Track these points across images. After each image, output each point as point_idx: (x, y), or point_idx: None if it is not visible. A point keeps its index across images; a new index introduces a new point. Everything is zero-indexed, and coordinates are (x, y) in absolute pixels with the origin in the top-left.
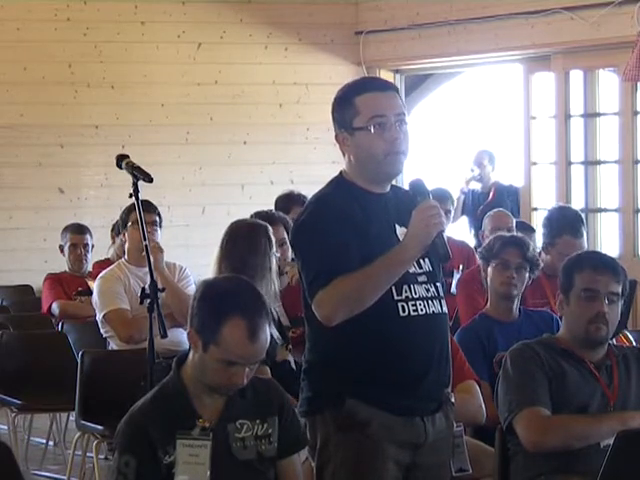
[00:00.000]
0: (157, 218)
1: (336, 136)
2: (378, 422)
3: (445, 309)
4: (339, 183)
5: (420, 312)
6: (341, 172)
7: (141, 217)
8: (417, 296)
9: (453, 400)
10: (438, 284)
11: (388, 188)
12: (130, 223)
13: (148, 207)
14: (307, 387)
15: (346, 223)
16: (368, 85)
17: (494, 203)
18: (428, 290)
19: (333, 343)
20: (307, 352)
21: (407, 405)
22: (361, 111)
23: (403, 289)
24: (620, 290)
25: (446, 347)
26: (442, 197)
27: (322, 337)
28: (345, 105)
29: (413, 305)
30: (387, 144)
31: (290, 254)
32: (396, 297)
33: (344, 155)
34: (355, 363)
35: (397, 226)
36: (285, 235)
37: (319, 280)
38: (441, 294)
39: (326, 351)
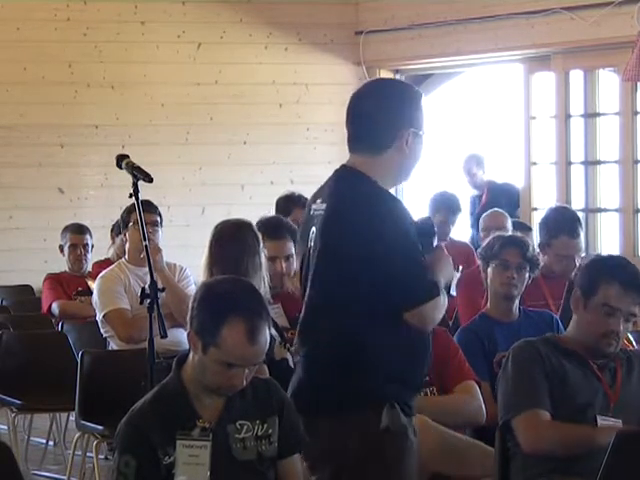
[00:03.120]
0: (158, 218)
1: (406, 132)
2: (411, 425)
3: None
4: (373, 184)
5: None
6: (356, 169)
7: (141, 217)
8: None
9: None
10: None
11: None
12: (131, 223)
13: (149, 207)
14: (335, 386)
15: (411, 226)
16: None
17: (488, 204)
18: None
19: (382, 346)
20: (326, 352)
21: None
22: (424, 117)
23: None
24: (638, 311)
25: None
26: (450, 208)
27: (369, 338)
28: (419, 106)
29: None
30: None
31: (294, 267)
32: None
33: (382, 151)
34: (395, 368)
35: None
36: (292, 250)
37: (436, 285)
38: None
39: (366, 354)
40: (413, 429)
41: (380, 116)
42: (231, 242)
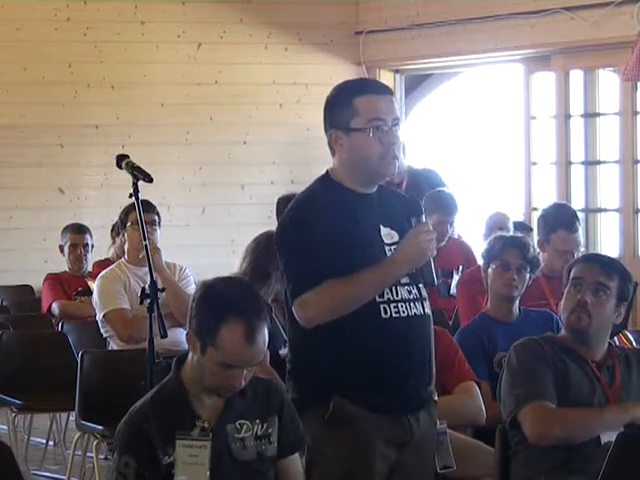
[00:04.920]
0: (156, 217)
1: (329, 134)
2: (364, 419)
3: (428, 310)
4: (325, 182)
5: (402, 314)
6: (327, 171)
7: (141, 217)
8: (399, 298)
9: (436, 398)
10: (420, 285)
11: (375, 189)
12: (130, 223)
13: (147, 207)
14: (292, 387)
15: (332, 223)
16: (368, 87)
17: (409, 189)
18: (410, 292)
19: (317, 344)
20: (291, 353)
21: (390, 404)
22: (360, 112)
23: (385, 291)
24: (612, 285)
25: (429, 348)
26: (448, 207)
27: (306, 338)
28: (343, 104)
29: (395, 307)
30: (383, 147)
31: None
32: (378, 299)
33: (334, 154)
34: (338, 363)
35: (382, 227)
36: None
37: (307, 281)
38: (423, 295)
39: (311, 352)
40: (391, 426)
41: (323, 121)
42: (265, 242)
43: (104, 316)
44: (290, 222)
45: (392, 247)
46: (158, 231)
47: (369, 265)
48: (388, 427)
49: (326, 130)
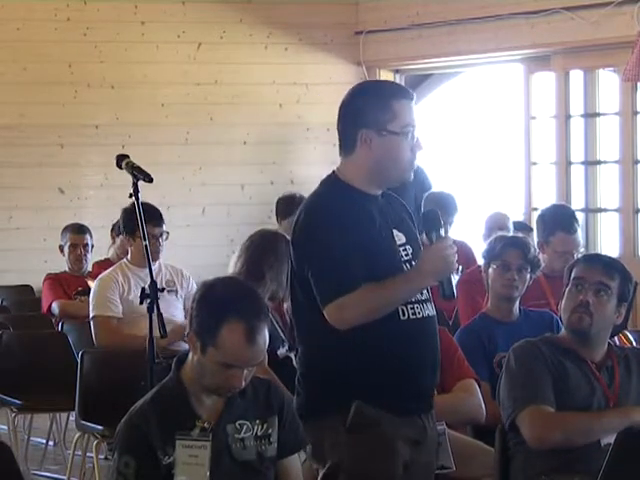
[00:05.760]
0: (164, 227)
1: (360, 134)
2: (386, 422)
3: (434, 311)
4: (334, 184)
5: (418, 315)
6: (334, 172)
7: (141, 218)
8: (414, 299)
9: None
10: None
11: (380, 191)
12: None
13: (156, 220)
14: (307, 392)
15: (353, 226)
16: (404, 92)
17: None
18: (422, 293)
19: (335, 348)
20: (305, 358)
21: (408, 406)
22: (398, 116)
23: None
24: (614, 285)
25: (438, 348)
26: (448, 207)
27: (324, 342)
28: (382, 106)
29: (412, 308)
30: (411, 154)
31: None
32: None
33: (350, 152)
34: (358, 367)
35: (394, 230)
36: None
37: (342, 284)
38: (430, 297)
39: (328, 356)
40: (412, 427)
41: (345, 118)
42: (261, 241)
43: (91, 319)
44: (315, 227)
45: (401, 248)
46: (164, 243)
47: (392, 266)
48: (407, 428)
49: (352, 127)
